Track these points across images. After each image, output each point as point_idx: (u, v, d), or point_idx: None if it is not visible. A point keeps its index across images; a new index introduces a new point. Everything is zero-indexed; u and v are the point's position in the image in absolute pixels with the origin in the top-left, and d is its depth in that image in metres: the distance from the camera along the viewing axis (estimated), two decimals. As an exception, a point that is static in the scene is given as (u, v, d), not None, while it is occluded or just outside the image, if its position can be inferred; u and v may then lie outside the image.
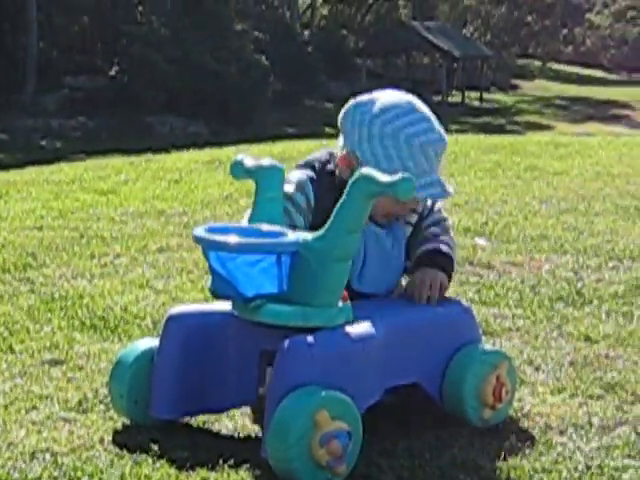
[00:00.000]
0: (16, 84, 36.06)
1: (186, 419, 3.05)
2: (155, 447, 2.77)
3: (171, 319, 2.96)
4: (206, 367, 2.99)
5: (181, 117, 36.09)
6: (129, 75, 39.80)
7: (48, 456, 2.72)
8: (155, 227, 6.19)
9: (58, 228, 6.09)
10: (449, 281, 3.15)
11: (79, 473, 2.59)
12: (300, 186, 3.15)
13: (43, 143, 30.34)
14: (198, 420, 3.09)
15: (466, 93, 49.28)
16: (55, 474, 2.60)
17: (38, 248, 5.55)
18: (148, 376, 2.98)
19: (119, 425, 3.01)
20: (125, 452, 2.80)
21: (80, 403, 3.16)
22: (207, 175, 8.40)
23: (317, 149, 3.56)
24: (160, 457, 2.72)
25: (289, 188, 3.12)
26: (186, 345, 2.94)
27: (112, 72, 40.56)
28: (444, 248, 3.15)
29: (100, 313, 4.26)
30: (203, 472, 2.62)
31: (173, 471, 2.62)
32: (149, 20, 42.83)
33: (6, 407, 3.18)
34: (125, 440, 2.90)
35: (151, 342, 3.08)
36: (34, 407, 3.18)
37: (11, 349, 3.80)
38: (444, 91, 47.88)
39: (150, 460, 2.71)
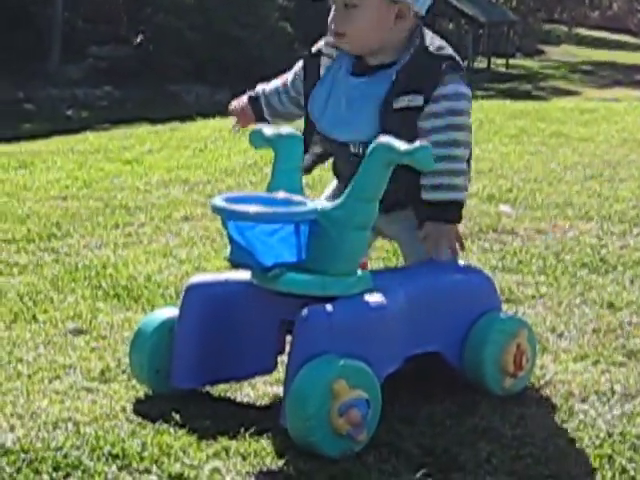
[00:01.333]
0: (41, 54, 36.00)
1: (207, 388, 3.05)
2: (176, 416, 2.79)
3: (191, 288, 2.99)
4: (226, 336, 3.01)
5: (206, 85, 35.91)
6: (154, 44, 39.89)
7: (70, 425, 2.74)
8: (179, 196, 6.23)
9: (82, 198, 6.12)
10: (459, 219, 3.04)
11: (101, 442, 2.62)
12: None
13: (69, 113, 30.40)
14: (219, 389, 3.10)
15: (492, 59, 49.16)
16: (77, 443, 2.61)
17: (62, 218, 5.57)
18: (169, 345, 3.01)
19: (141, 394, 3.03)
20: (147, 421, 2.82)
21: (103, 373, 3.19)
22: (231, 143, 8.33)
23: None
24: (181, 426, 2.74)
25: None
26: (206, 314, 2.96)
27: (137, 41, 40.74)
28: (442, 196, 2.99)
29: (124, 283, 4.29)
30: (224, 441, 2.64)
31: (194, 440, 2.64)
32: (173, -12, 43.25)
33: (29, 377, 3.20)
34: (147, 410, 2.91)
35: (171, 311, 3.10)
36: (57, 377, 3.21)
37: (35, 319, 3.84)
38: (470, 57, 47.67)
39: (171, 429, 2.74)
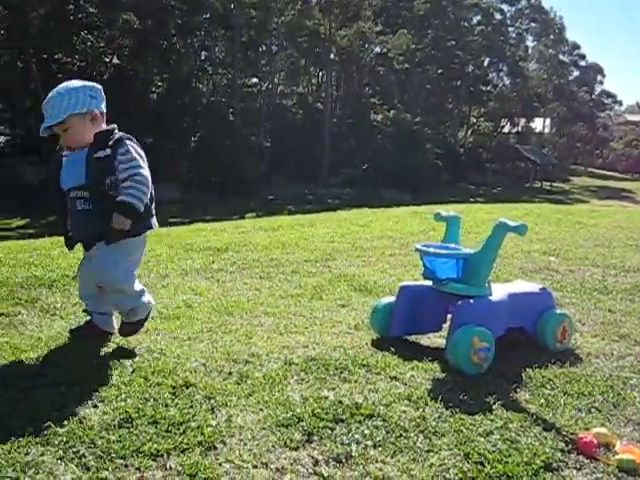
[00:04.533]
0: (319, 169, 38.63)
1: (410, 340, 3.35)
2: (392, 348, 3.10)
3: (402, 287, 3.38)
4: (417, 311, 3.34)
5: (396, 189, 36.64)
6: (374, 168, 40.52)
7: (341, 349, 3.11)
8: (387, 244, 6.59)
9: (340, 242, 6.54)
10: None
11: (357, 357, 2.97)
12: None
13: (329, 201, 32.06)
14: (416, 337, 3.40)
15: (543, 183, 52.50)
16: (345, 357, 2.97)
17: (331, 250, 6.01)
18: (389, 314, 3.35)
19: (373, 337, 3.37)
20: (377, 349, 3.13)
21: (356, 326, 3.60)
22: (411, 219, 8.76)
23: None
24: (391, 352, 3.04)
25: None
26: (409, 300, 3.34)
27: (363, 167, 41.39)
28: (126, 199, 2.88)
29: (363, 283, 4.63)
30: (415, 361, 2.93)
31: (399, 359, 2.96)
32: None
33: (320, 325, 3.58)
34: (376, 343, 3.23)
35: (391, 298, 3.43)
36: (333, 326, 3.60)
37: (321, 298, 4.22)
38: (531, 181, 52.89)
39: (378, 352, 3.04)
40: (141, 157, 2.98)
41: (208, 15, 39.60)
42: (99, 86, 3.07)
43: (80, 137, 2.95)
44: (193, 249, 5.89)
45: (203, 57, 43.31)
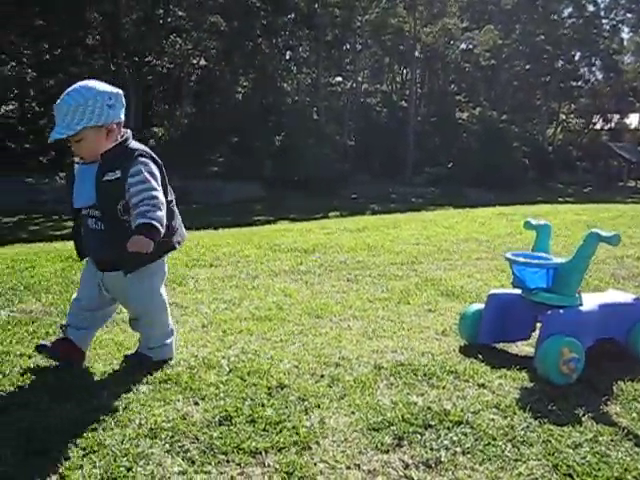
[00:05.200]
0: (402, 169, 38.42)
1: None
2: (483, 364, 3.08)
3: (491, 295, 3.40)
4: (506, 319, 3.34)
5: (481, 189, 35.67)
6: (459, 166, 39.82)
7: (430, 355, 3.17)
8: (472, 246, 6.60)
9: (425, 244, 6.59)
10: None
11: (446, 364, 3.00)
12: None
13: (413, 200, 31.82)
14: (503, 346, 3.38)
15: (638, 182, 50.43)
16: (433, 363, 3.02)
17: (417, 253, 6.04)
18: (477, 321, 3.37)
19: (461, 343, 3.38)
20: (465, 356, 3.17)
21: (443, 332, 3.62)
22: (497, 221, 8.66)
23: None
24: (479, 359, 3.05)
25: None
26: (498, 308, 3.35)
27: (448, 166, 40.72)
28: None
29: (450, 288, 4.65)
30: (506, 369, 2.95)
31: (484, 366, 2.98)
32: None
33: (408, 330, 3.63)
34: (466, 350, 3.27)
35: (479, 305, 3.44)
36: (421, 331, 3.63)
37: (409, 302, 4.27)
38: (625, 181, 50.65)
39: (468, 359, 3.05)
40: (154, 177, 2.74)
41: (293, 15, 40.07)
42: (119, 91, 2.81)
43: (93, 151, 2.75)
44: (280, 250, 6.06)
45: (288, 57, 43.91)
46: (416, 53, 44.64)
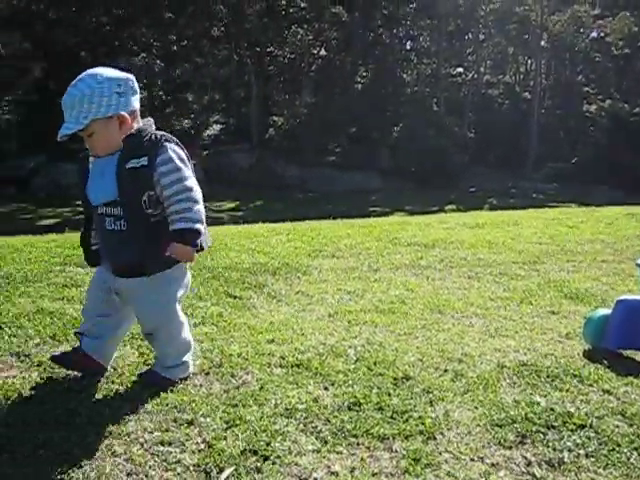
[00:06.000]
0: (523, 163, 37.57)
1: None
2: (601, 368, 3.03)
3: (619, 300, 3.34)
4: (635, 326, 3.25)
5: (608, 186, 33.57)
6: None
7: (553, 358, 3.14)
8: (597, 248, 6.34)
9: (549, 244, 6.45)
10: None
11: (573, 370, 3.01)
12: None
13: (534, 195, 30.93)
14: (630, 353, 3.25)
15: None
16: (556, 370, 3.00)
17: (540, 253, 5.97)
18: (603, 326, 3.33)
19: (585, 348, 3.33)
20: (582, 362, 3.10)
21: (567, 335, 3.59)
22: (625, 222, 8.35)
23: None
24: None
25: None
26: (626, 314, 3.28)
27: (573, 161, 38.72)
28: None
29: (575, 292, 4.55)
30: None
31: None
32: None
33: (530, 331, 3.64)
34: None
35: (605, 310, 3.42)
36: (544, 333, 3.59)
37: (528, 303, 4.24)
38: None
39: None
40: (185, 163, 2.54)
41: (414, 5, 39.74)
42: (130, 76, 2.56)
43: (106, 144, 2.52)
44: (400, 243, 6.18)
45: (408, 47, 43.59)
46: (542, 42, 43.10)
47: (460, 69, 43.64)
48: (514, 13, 40.39)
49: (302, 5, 37.24)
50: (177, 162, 2.49)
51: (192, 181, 2.51)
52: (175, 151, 2.51)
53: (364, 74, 39.82)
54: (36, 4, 32.10)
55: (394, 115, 36.00)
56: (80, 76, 2.50)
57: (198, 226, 2.47)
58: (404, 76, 39.98)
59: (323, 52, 38.67)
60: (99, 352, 2.76)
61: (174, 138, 2.56)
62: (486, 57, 44.35)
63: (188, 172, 2.51)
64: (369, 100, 34.66)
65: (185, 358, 2.79)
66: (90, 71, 2.52)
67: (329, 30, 37.18)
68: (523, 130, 38.51)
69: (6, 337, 3.22)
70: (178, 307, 2.73)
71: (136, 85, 2.58)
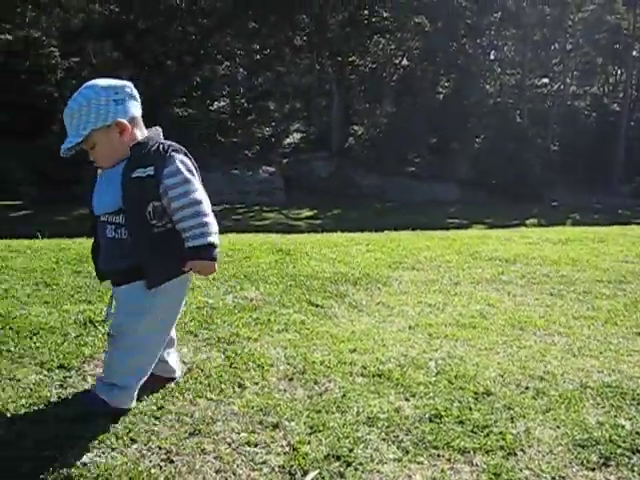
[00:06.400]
0: (609, 178, 36.41)
1: None
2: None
3: None
4: None
5: None
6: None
7: (639, 381, 3.06)
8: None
9: (636, 263, 6.22)
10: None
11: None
12: None
13: (620, 212, 29.98)
14: None
15: None
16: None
17: (625, 272, 5.70)
18: None
19: None
20: None
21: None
22: None
23: None
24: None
25: None
26: None
27: None
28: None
29: None
30: None
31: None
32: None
33: (615, 352, 3.54)
34: None
35: None
36: (630, 355, 3.50)
37: (616, 324, 4.12)
38: None
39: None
40: (193, 174, 2.49)
41: (499, 14, 39.19)
42: (126, 84, 2.53)
43: (109, 154, 2.49)
44: (481, 257, 6.15)
45: (492, 57, 43.00)
46: (634, 52, 41.69)
47: (545, 80, 42.73)
48: (605, 22, 39.25)
49: (384, 15, 37.30)
50: (185, 174, 2.44)
51: (201, 193, 2.46)
52: (183, 162, 2.46)
53: (446, 84, 39.53)
54: (127, 14, 33.33)
55: (475, 126, 35.57)
56: (79, 89, 2.49)
57: (212, 239, 2.43)
58: (487, 87, 39.45)
59: (405, 62, 38.66)
60: (163, 369, 2.85)
61: (182, 148, 2.51)
62: (573, 67, 43.24)
63: (197, 184, 2.46)
64: (450, 110, 34.37)
65: (134, 384, 2.57)
66: (88, 83, 2.50)
67: (411, 40, 37.16)
68: (610, 143, 37.31)
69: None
70: (163, 327, 2.61)
71: (135, 91, 2.54)
